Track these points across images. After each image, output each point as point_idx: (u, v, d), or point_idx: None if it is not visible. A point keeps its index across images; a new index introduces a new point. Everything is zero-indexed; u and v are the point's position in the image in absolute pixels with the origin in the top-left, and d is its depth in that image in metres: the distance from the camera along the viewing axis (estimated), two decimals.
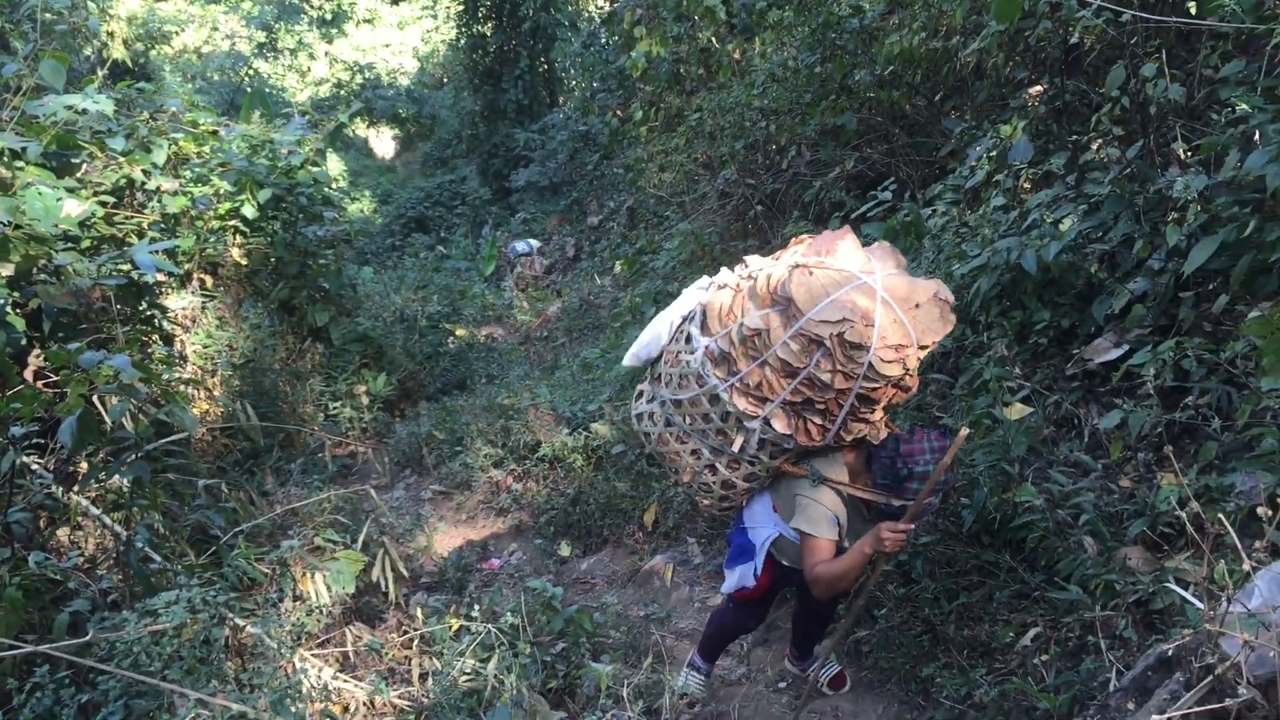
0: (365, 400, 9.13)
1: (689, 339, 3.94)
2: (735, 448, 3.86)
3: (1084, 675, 3.95)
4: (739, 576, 4.31)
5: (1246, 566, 1.79)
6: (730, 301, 3.84)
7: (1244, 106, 4.16)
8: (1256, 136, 4.12)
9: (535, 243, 17.88)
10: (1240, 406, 3.94)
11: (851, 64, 8.39)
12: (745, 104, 9.47)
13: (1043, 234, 5.45)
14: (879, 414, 3.80)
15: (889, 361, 3.55)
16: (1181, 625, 2.59)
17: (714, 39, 11.12)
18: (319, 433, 8.17)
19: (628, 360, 4.23)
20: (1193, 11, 4.90)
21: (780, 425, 3.71)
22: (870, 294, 3.58)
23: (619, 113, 13.47)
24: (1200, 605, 1.90)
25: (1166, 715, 1.80)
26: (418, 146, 30.97)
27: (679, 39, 11.47)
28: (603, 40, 17.24)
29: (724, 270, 4.11)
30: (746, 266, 4.02)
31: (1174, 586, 2.74)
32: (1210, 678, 1.81)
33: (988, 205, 6.37)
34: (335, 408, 8.90)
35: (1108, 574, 4.04)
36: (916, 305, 3.62)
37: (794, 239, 4.03)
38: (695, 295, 4.11)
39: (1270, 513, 1.91)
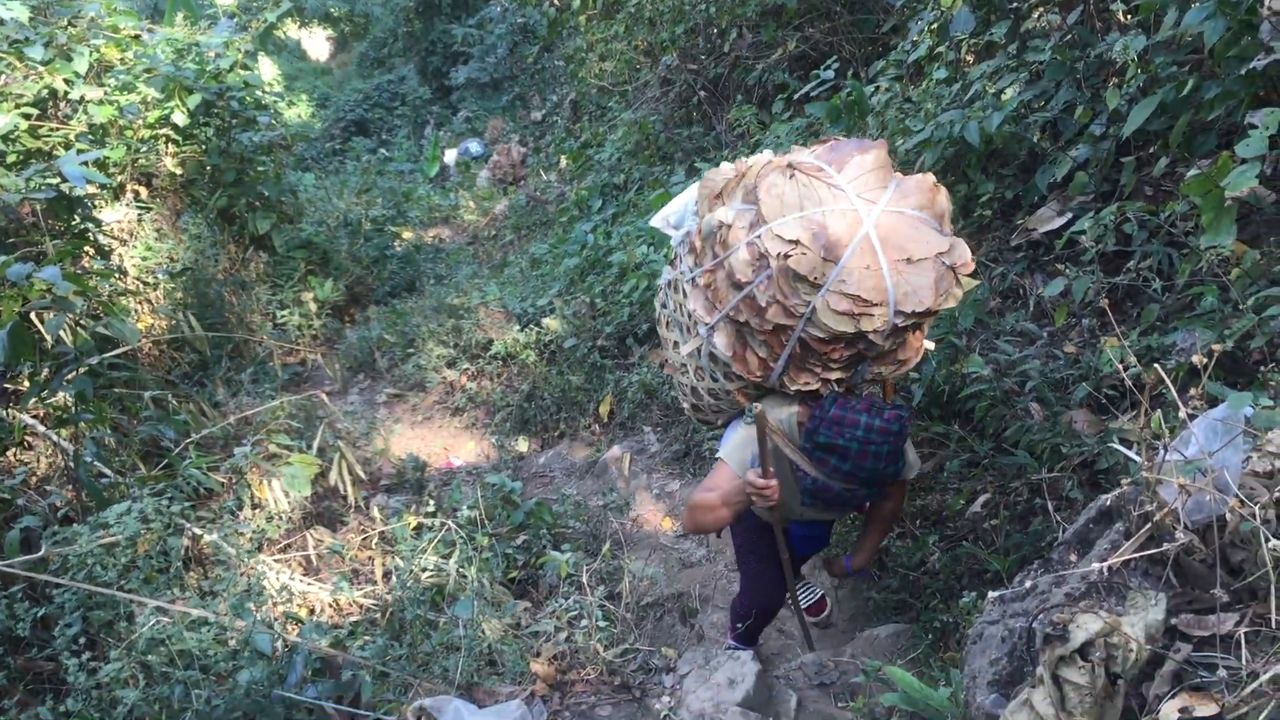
0: (313, 307, 9.01)
1: (686, 212, 3.59)
2: (685, 351, 3.46)
3: (1032, 536, 4.06)
4: None
5: (1183, 414, 1.81)
6: (724, 185, 3.36)
7: None
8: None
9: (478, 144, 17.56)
10: (1180, 266, 3.98)
11: None
12: None
13: (985, 105, 5.42)
14: (836, 373, 3.18)
15: (839, 313, 2.97)
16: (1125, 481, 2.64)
17: None
18: (267, 341, 8.08)
19: (656, 220, 3.78)
20: None
21: (721, 342, 3.25)
22: (854, 225, 2.98)
23: (555, 2, 13.14)
24: (1142, 461, 1.93)
25: (1107, 563, 1.84)
26: (353, 47, 30.10)
27: None
28: None
29: (767, 152, 3.63)
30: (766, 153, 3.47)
31: (1117, 445, 2.79)
32: (1149, 525, 1.85)
33: (930, 79, 6.31)
34: (283, 316, 8.79)
35: (1054, 438, 4.11)
36: (909, 260, 2.99)
37: (816, 142, 3.46)
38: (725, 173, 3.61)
39: (1206, 361, 1.94)
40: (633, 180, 9.62)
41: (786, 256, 2.96)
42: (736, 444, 3.39)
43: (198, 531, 4.55)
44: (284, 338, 8.64)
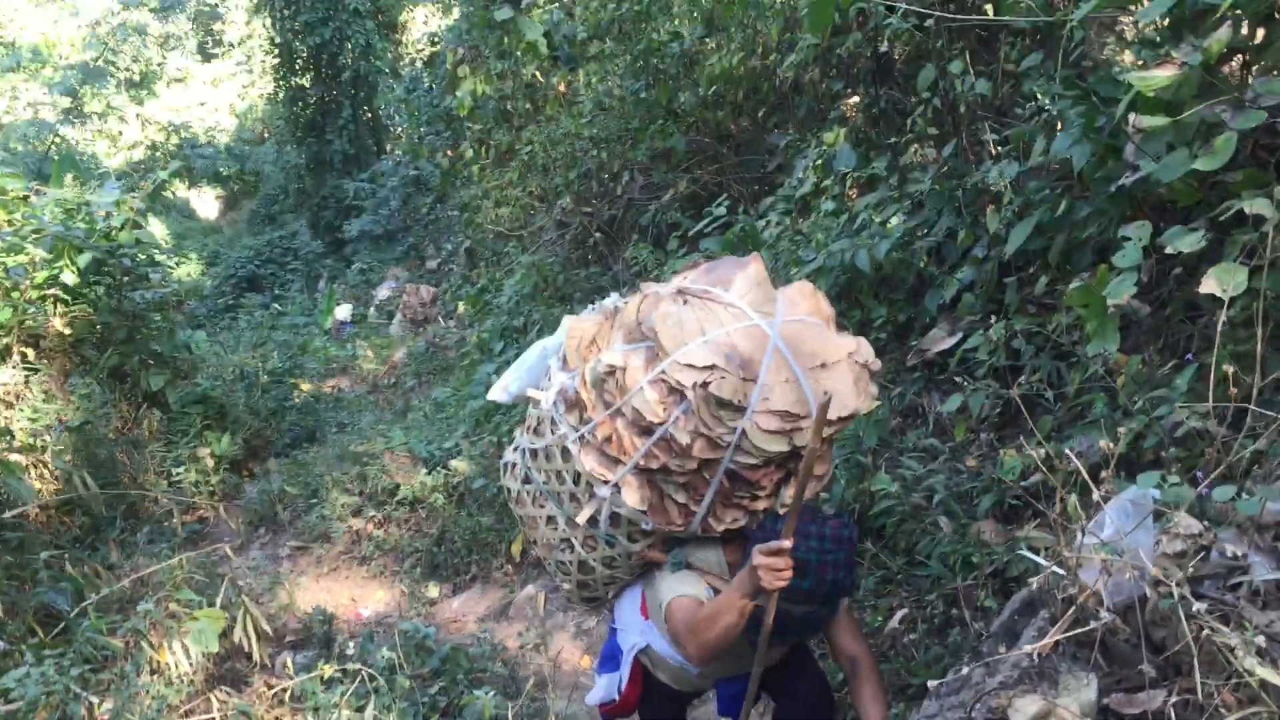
0: (210, 462, 8.80)
1: (550, 375, 3.26)
2: (582, 518, 3.05)
3: (951, 648, 4.10)
4: (605, 687, 3.52)
5: (1097, 497, 1.90)
6: (595, 331, 3.16)
7: (1045, 97, 4.42)
8: (1059, 127, 4.38)
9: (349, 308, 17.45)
10: (1070, 376, 4.17)
11: (675, 88, 8.58)
12: (575, 134, 9.57)
13: (872, 234, 5.66)
14: (764, 503, 2.95)
15: (770, 432, 2.79)
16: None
17: (538, 74, 11.21)
18: (164, 499, 7.84)
19: (494, 393, 3.54)
20: (991, 12, 5.19)
21: (631, 497, 2.92)
22: (760, 341, 2.84)
23: (449, 153, 13.43)
24: (1051, 565, 2.01)
25: (1036, 647, 1.89)
26: (243, 204, 30.15)
27: (503, 75, 11.52)
28: (426, 84, 17.15)
29: (612, 295, 3.48)
30: (640, 291, 3.24)
31: (1026, 552, 2.86)
32: (1073, 608, 1.91)
33: (819, 212, 6.58)
34: (179, 473, 8.56)
35: (964, 549, 4.20)
36: (823, 365, 2.87)
37: (686, 265, 3.38)
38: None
39: (1111, 446, 2.04)
40: (532, 322, 9.72)
41: (706, 385, 2.76)
42: (668, 586, 3.06)
43: (94, 700, 4.34)
44: (181, 495, 8.39)
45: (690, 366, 2.78)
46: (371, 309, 17.35)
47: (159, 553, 6.65)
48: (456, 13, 18.20)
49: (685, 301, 2.95)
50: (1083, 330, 3.80)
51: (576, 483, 3.04)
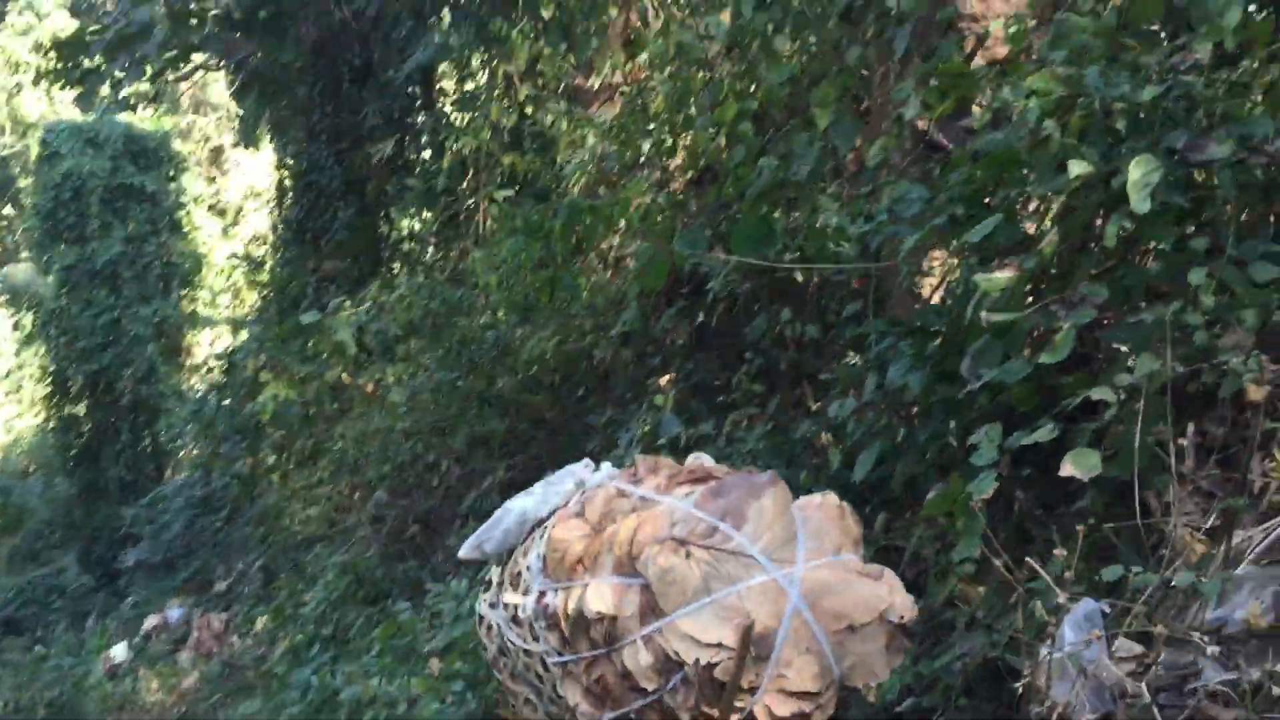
0: None
1: (529, 569, 3.03)
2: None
3: None
4: None
5: (1062, 599, 1.94)
6: (583, 547, 2.86)
7: (873, 336, 4.77)
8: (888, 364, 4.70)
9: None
10: (931, 590, 4.26)
11: (491, 374, 8.74)
12: (388, 428, 9.52)
13: None
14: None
15: (783, 718, 2.49)
16: None
17: (345, 375, 11.20)
18: None
19: (465, 551, 3.37)
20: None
21: None
22: (778, 601, 2.55)
23: (250, 460, 13.04)
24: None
25: None
26: (4, 542, 27.93)
27: (307, 379, 11.45)
28: (213, 403, 16.71)
29: (606, 466, 3.21)
30: (636, 473, 2.99)
31: None
32: None
33: None
34: None
35: None
36: (850, 628, 2.58)
37: (687, 469, 3.05)
38: (560, 492, 3.19)
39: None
40: (345, 623, 9.23)
41: (711, 666, 2.44)
42: None
43: None
44: None
45: (691, 639, 2.47)
46: (152, 640, 16.07)
47: None
48: (245, 334, 18.27)
49: (688, 554, 2.60)
50: (947, 539, 3.93)
51: (557, 697, 2.76)
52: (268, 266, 18.70)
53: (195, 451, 21.65)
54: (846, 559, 2.72)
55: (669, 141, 6.64)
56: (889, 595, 2.68)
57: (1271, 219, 3.05)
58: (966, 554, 3.60)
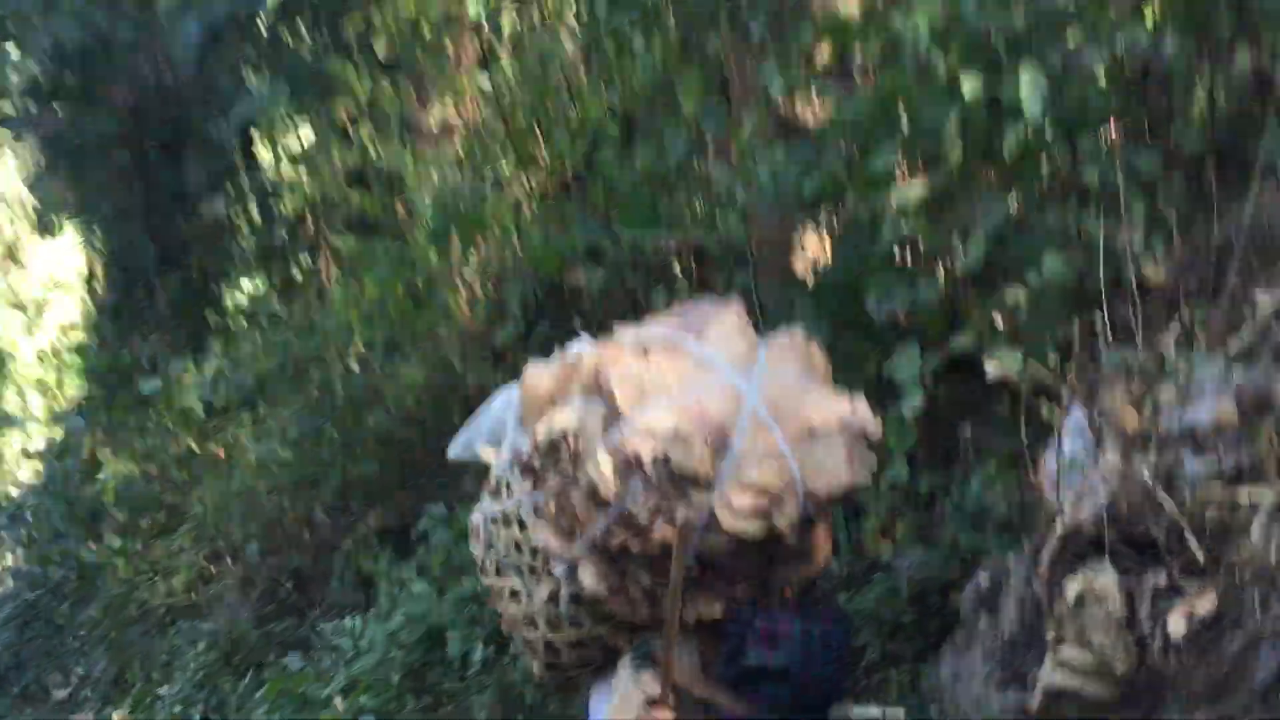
0: None
1: (508, 429, 2.94)
2: (539, 599, 2.75)
3: None
4: None
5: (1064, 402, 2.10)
6: (553, 385, 2.81)
7: None
8: None
9: None
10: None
11: (358, 415, 8.56)
12: (249, 488, 9.22)
13: None
14: (741, 589, 2.60)
15: (743, 512, 2.46)
16: None
17: (191, 443, 10.78)
18: None
19: (454, 450, 3.17)
20: None
21: (589, 579, 2.57)
22: (736, 403, 2.54)
23: (93, 545, 12.32)
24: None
25: (1043, 565, 2.00)
26: None
27: (151, 454, 10.97)
28: (39, 499, 15.72)
29: (580, 340, 3.10)
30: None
31: None
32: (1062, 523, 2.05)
33: None
34: None
35: None
36: (810, 432, 2.56)
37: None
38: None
39: None
40: (219, 697, 8.80)
41: (665, 458, 2.43)
42: (620, 699, 2.66)
43: None
44: None
45: (648, 432, 2.46)
46: None
47: None
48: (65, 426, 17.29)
49: (646, 353, 2.65)
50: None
51: (534, 556, 2.73)
52: (84, 354, 17.83)
53: (10, 562, 20.28)
54: (810, 380, 2.75)
55: (530, 153, 6.72)
56: (851, 407, 2.68)
57: (1146, 121, 3.36)
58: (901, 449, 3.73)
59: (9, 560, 20.04)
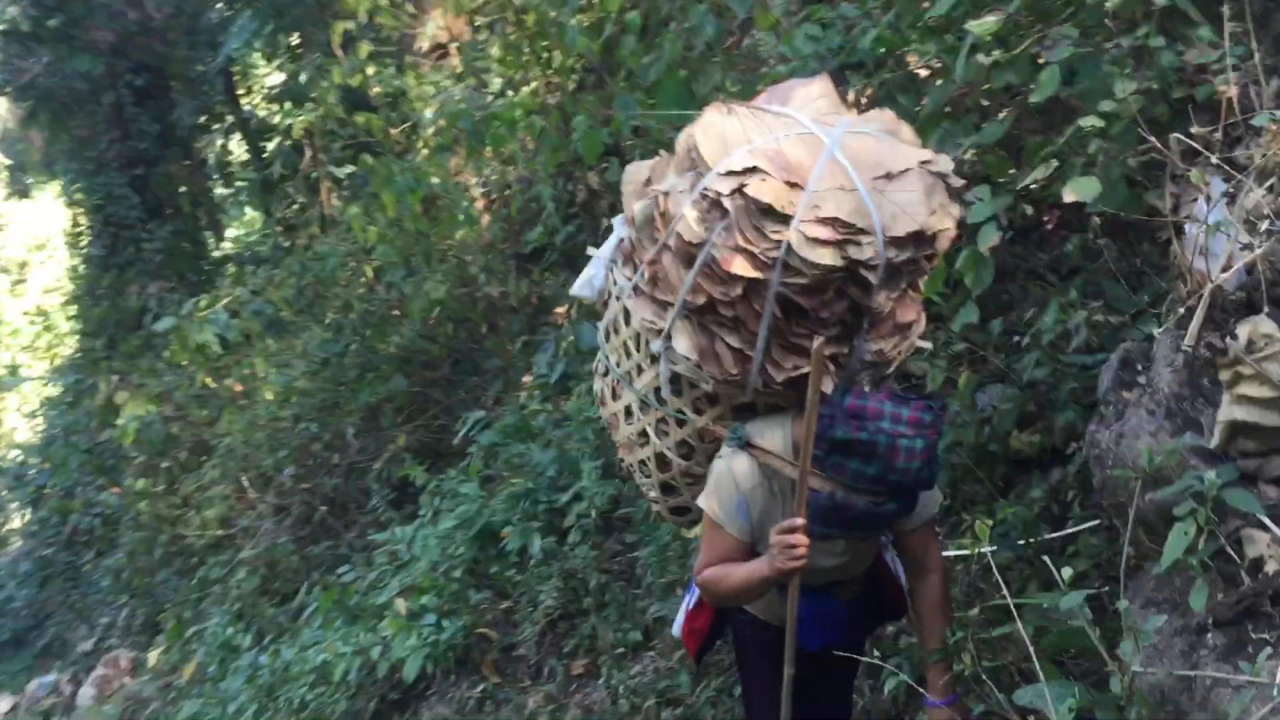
0: None
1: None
2: (640, 385, 2.82)
3: None
4: (682, 615, 3.20)
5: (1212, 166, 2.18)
6: (650, 170, 2.87)
7: None
8: None
9: None
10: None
11: (381, 334, 8.61)
12: (274, 416, 9.27)
13: None
14: (821, 342, 2.43)
15: (821, 243, 2.42)
16: None
17: (208, 380, 10.78)
18: None
19: (578, 288, 3.22)
20: None
21: (682, 343, 2.61)
22: (815, 147, 2.56)
23: (117, 490, 12.34)
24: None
25: (1188, 341, 2.11)
26: None
27: (166, 395, 10.97)
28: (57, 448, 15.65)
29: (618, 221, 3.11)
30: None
31: None
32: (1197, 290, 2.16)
33: (577, 396, 6.75)
34: None
35: None
36: (888, 175, 2.55)
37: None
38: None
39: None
40: (262, 620, 8.89)
41: (743, 189, 2.47)
42: (714, 484, 2.74)
43: None
44: None
45: (730, 173, 2.50)
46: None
47: None
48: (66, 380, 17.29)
49: (731, 113, 2.70)
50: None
51: (638, 348, 2.80)
52: (76, 310, 17.72)
53: (18, 523, 20.31)
54: (893, 139, 2.75)
55: (546, 56, 6.71)
56: (932, 155, 2.70)
57: None
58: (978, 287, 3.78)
59: (16, 522, 20.09)
